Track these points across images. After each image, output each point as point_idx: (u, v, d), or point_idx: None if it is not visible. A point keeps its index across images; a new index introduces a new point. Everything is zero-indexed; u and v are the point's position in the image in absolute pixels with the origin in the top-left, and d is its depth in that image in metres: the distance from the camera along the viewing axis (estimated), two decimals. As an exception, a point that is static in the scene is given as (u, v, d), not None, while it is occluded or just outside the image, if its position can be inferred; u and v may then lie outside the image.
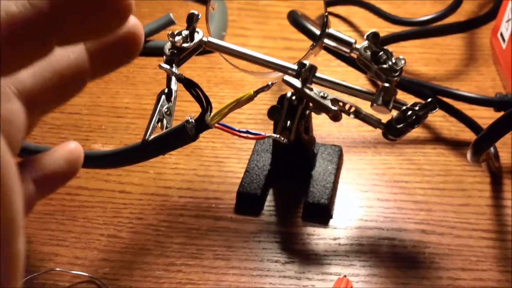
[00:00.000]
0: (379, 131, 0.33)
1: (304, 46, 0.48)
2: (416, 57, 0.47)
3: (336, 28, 0.35)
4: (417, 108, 0.32)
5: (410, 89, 0.40)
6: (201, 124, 0.29)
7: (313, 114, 0.36)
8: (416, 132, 0.41)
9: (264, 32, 0.52)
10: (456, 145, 0.40)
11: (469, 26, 0.47)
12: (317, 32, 0.39)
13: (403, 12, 0.52)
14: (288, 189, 0.38)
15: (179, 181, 0.39)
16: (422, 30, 0.47)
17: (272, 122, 0.35)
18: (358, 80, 0.45)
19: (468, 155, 0.30)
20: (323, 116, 0.33)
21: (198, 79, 0.48)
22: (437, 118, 0.41)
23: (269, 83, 0.30)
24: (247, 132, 0.30)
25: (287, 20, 0.51)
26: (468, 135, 0.40)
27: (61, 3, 0.15)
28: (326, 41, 0.35)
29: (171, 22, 0.49)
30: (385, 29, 0.49)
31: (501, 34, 0.44)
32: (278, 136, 0.31)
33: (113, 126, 0.43)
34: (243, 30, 0.51)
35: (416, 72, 0.46)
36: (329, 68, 0.46)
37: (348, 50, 0.34)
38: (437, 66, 0.47)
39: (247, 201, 0.37)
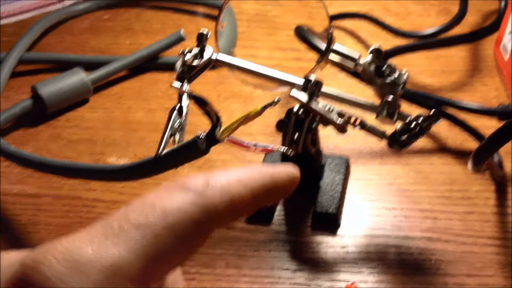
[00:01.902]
0: (385, 142, 0.34)
1: (313, 57, 0.49)
2: (421, 69, 0.48)
3: (342, 41, 0.36)
4: (420, 119, 0.33)
5: (415, 100, 0.41)
6: (212, 139, 0.30)
7: (320, 127, 0.37)
8: (422, 142, 0.42)
9: (273, 43, 0.53)
10: (461, 155, 0.41)
11: (472, 37, 0.48)
12: (323, 47, 0.40)
13: (408, 24, 0.53)
14: (297, 200, 0.39)
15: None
16: (427, 42, 0.48)
17: (279, 134, 0.36)
18: (365, 91, 0.45)
19: (469, 165, 0.31)
20: (330, 128, 0.35)
21: (208, 94, 0.50)
22: (442, 128, 0.42)
23: (276, 99, 0.31)
24: (255, 145, 0.31)
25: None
26: (473, 145, 0.41)
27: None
28: (332, 56, 0.36)
29: (181, 39, 0.51)
30: (390, 41, 0.50)
31: (504, 46, 0.45)
32: (284, 148, 0.32)
33: (127, 140, 0.45)
34: (252, 42, 0.52)
35: (422, 83, 0.47)
36: (336, 80, 0.47)
37: (353, 65, 0.36)
38: (442, 78, 0.48)
39: (258, 212, 0.38)
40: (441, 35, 0.48)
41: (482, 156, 0.30)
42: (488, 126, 0.41)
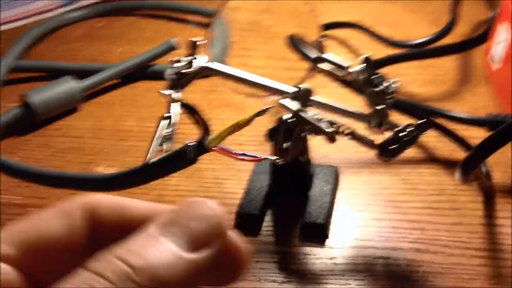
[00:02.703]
0: (374, 152, 0.34)
1: (305, 66, 0.49)
2: (412, 78, 0.49)
3: (334, 50, 0.36)
4: (409, 129, 0.33)
5: (404, 110, 0.41)
6: (201, 148, 0.30)
7: (309, 136, 0.37)
8: (411, 152, 0.42)
9: (266, 52, 0.53)
10: (449, 165, 0.41)
11: (462, 47, 0.48)
12: (314, 56, 0.40)
13: (399, 34, 0.53)
14: (285, 210, 0.39)
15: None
16: (418, 52, 0.48)
17: (269, 143, 0.36)
18: (356, 100, 0.45)
19: (457, 175, 0.31)
20: (319, 138, 0.34)
21: (199, 102, 0.49)
22: (431, 138, 0.42)
23: (265, 107, 0.31)
24: (244, 154, 0.31)
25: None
26: (461, 155, 0.41)
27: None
28: (322, 65, 0.36)
29: (173, 48, 0.51)
30: (382, 51, 0.50)
31: (493, 56, 0.45)
32: (274, 158, 0.32)
33: (116, 149, 0.45)
34: (245, 51, 0.52)
35: (411, 93, 0.47)
36: (327, 89, 0.47)
37: (343, 74, 0.36)
38: (432, 87, 0.48)
39: (246, 221, 0.38)
40: (432, 44, 0.48)
41: (470, 166, 0.30)
42: (477, 136, 0.41)
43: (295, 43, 0.45)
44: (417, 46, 0.48)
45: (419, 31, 0.53)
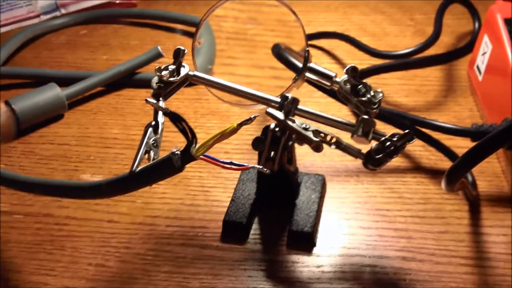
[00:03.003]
0: (360, 161, 0.34)
1: (291, 76, 0.49)
2: (396, 89, 0.49)
3: (319, 60, 0.36)
4: (395, 139, 0.33)
5: (390, 119, 0.41)
6: (187, 156, 0.30)
7: (296, 145, 0.37)
8: (397, 161, 0.42)
9: (252, 61, 0.52)
10: (435, 174, 0.41)
11: (447, 58, 0.49)
12: (300, 65, 0.40)
13: (384, 45, 0.53)
14: (272, 218, 0.39)
15: (166, 210, 0.40)
16: (402, 62, 0.49)
17: (256, 152, 0.36)
18: (341, 110, 0.46)
19: (443, 185, 0.32)
20: (306, 146, 0.35)
21: (185, 110, 0.50)
22: (417, 148, 0.43)
23: (252, 116, 0.31)
24: (231, 163, 0.31)
25: (273, 51, 0.52)
26: (447, 164, 0.41)
27: None
28: (308, 74, 0.36)
29: (159, 55, 0.51)
30: (367, 61, 0.50)
31: (477, 67, 0.46)
32: (260, 167, 0.32)
33: (101, 157, 0.44)
34: (231, 60, 0.52)
35: (397, 103, 0.48)
36: (312, 99, 0.47)
37: (329, 84, 0.36)
38: (417, 97, 0.48)
39: (233, 230, 0.38)
40: (416, 55, 0.49)
41: (455, 176, 0.30)
42: (462, 146, 0.41)
43: (280, 52, 0.45)
44: (401, 57, 0.49)
45: (403, 43, 0.54)
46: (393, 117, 0.41)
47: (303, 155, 0.42)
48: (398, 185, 0.41)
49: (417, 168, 0.42)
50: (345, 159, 0.42)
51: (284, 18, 0.58)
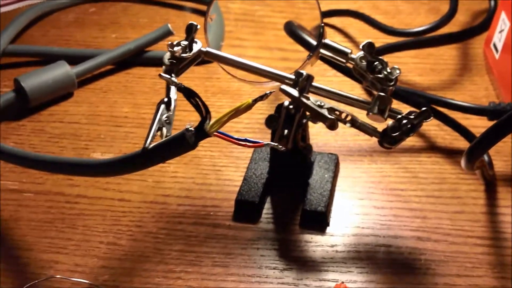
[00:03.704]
0: (375, 140, 0.33)
1: (300, 57, 0.49)
2: (410, 67, 0.48)
3: (332, 38, 0.36)
4: (412, 116, 0.33)
5: (405, 98, 0.41)
6: (201, 133, 0.30)
7: (309, 123, 0.36)
8: (412, 140, 0.41)
9: (260, 42, 0.52)
10: (450, 154, 0.40)
11: (462, 36, 0.48)
12: (314, 42, 0.40)
13: (397, 23, 0.52)
14: (285, 197, 0.38)
15: (177, 189, 0.39)
16: (417, 40, 0.48)
17: (269, 131, 0.36)
18: (354, 89, 0.45)
19: (462, 163, 0.31)
20: (320, 125, 0.34)
21: (195, 89, 0.49)
22: (432, 127, 0.42)
23: (267, 92, 0.31)
24: (246, 140, 0.31)
25: (283, 31, 0.52)
26: (462, 144, 0.41)
27: None
28: (323, 51, 0.36)
29: (169, 33, 0.50)
30: (380, 39, 0.49)
31: (494, 45, 0.45)
32: (276, 144, 0.31)
33: (112, 135, 0.44)
34: (239, 41, 0.52)
35: (411, 81, 0.47)
36: (325, 78, 0.46)
37: (344, 60, 0.35)
38: (431, 76, 0.47)
39: (245, 209, 0.38)
40: (431, 33, 0.48)
41: (476, 154, 0.30)
42: (478, 125, 0.41)
43: (293, 29, 0.44)
44: (416, 35, 0.48)
45: (416, 21, 0.53)
46: (408, 95, 0.41)
47: (316, 134, 0.42)
48: (413, 165, 0.40)
49: (432, 147, 0.41)
50: (358, 138, 0.42)
51: (292, -1, 0.57)
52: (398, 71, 0.33)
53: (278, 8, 0.56)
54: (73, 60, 0.48)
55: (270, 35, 0.52)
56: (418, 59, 0.49)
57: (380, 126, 0.33)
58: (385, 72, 0.33)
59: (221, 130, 0.30)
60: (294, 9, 0.55)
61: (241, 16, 0.54)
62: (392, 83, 0.33)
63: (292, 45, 0.49)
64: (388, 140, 0.33)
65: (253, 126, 0.44)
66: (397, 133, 0.33)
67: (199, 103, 0.29)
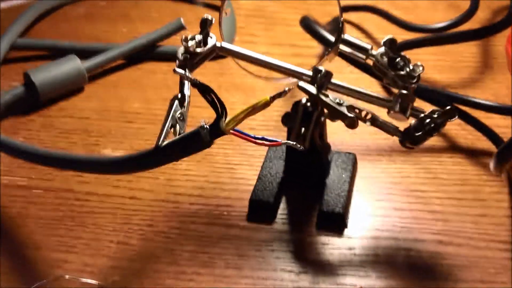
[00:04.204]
0: (394, 139, 0.32)
1: (313, 53, 0.48)
2: (429, 65, 0.47)
3: (348, 34, 0.34)
4: (435, 115, 0.31)
5: (425, 96, 0.39)
6: (216, 130, 0.29)
7: (327, 121, 0.35)
8: (432, 140, 0.39)
9: (272, 38, 0.51)
10: (473, 154, 0.39)
11: (484, 33, 0.46)
12: (332, 38, 0.39)
13: (415, 19, 0.51)
14: (301, 197, 0.37)
15: (190, 188, 0.38)
16: (436, 37, 0.46)
17: (284, 128, 0.34)
18: (372, 86, 0.44)
19: (491, 165, 0.30)
20: (337, 123, 0.33)
21: (208, 84, 0.48)
22: (453, 126, 0.41)
23: (286, 88, 0.29)
24: (263, 138, 0.29)
25: (294, 27, 0.51)
26: (485, 144, 0.39)
27: None
28: (342, 47, 0.34)
29: (181, 27, 0.49)
30: (398, 36, 0.47)
31: (518, 42, 0.44)
32: (294, 143, 0.30)
33: (123, 131, 0.43)
34: (251, 37, 0.51)
35: (430, 79, 0.46)
36: (342, 74, 0.45)
37: (364, 56, 0.34)
38: (451, 74, 0.46)
39: (260, 209, 0.36)
40: (451, 29, 0.46)
41: (507, 156, 0.29)
42: (501, 125, 0.39)
43: (310, 24, 0.43)
44: (437, 31, 0.46)
45: (435, 17, 0.51)
46: (429, 93, 0.39)
47: (333, 133, 0.40)
48: (433, 165, 0.39)
49: (453, 147, 0.40)
50: (377, 137, 0.41)
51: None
52: (421, 68, 0.32)
53: (289, 3, 0.55)
54: (84, 54, 0.47)
55: (281, 31, 0.52)
56: (437, 56, 0.47)
57: (401, 125, 0.32)
58: (408, 69, 0.32)
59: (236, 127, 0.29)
60: (305, 5, 0.54)
61: (252, 12, 0.54)
62: (414, 81, 0.32)
63: (304, 41, 0.48)
64: (410, 140, 0.32)
65: (268, 123, 0.42)
66: (420, 133, 0.31)
67: (215, 99, 0.28)
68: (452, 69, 0.46)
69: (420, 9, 0.53)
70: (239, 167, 0.40)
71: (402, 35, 0.48)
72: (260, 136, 0.29)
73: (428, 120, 0.31)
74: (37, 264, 0.34)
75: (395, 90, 0.32)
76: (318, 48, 0.48)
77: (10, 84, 0.46)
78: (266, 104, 0.29)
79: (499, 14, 0.51)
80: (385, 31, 0.50)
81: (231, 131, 0.29)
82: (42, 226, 0.36)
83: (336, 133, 0.41)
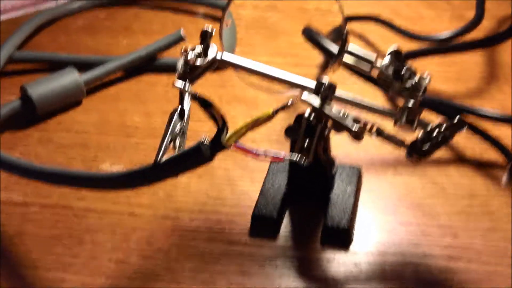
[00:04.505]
0: (399, 151, 0.31)
1: (314, 63, 0.47)
2: (434, 75, 0.45)
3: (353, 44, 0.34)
4: (443, 127, 0.31)
5: (431, 107, 0.38)
6: (217, 145, 0.28)
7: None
8: (438, 152, 0.39)
9: (272, 49, 0.51)
10: (480, 166, 0.38)
11: (489, 43, 0.46)
12: (335, 49, 0.38)
13: (419, 29, 0.50)
14: (305, 212, 0.36)
15: (190, 203, 0.37)
16: (441, 47, 0.46)
17: (286, 141, 0.34)
18: (376, 98, 0.43)
19: (504, 178, 0.29)
20: (340, 136, 0.32)
21: (209, 97, 0.47)
22: (460, 138, 0.39)
23: (289, 102, 0.29)
24: (265, 153, 0.29)
25: (295, 37, 0.50)
26: (493, 155, 0.38)
27: None
28: (346, 57, 0.34)
29: (181, 39, 0.48)
30: (402, 46, 0.47)
31: (524, 51, 0.43)
32: (297, 157, 0.29)
33: (122, 145, 0.42)
34: (251, 47, 0.50)
35: (435, 90, 0.45)
36: (346, 85, 0.44)
37: (368, 68, 0.33)
38: (457, 84, 0.45)
39: (263, 224, 0.35)
40: (456, 39, 0.46)
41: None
42: (509, 135, 0.39)
43: (312, 35, 0.42)
44: (441, 41, 0.46)
45: (440, 27, 0.51)
46: (434, 104, 0.38)
47: (337, 145, 0.39)
48: (440, 178, 0.38)
49: (460, 159, 0.39)
50: (381, 150, 0.40)
51: (303, 6, 0.55)
52: (427, 80, 0.31)
53: (290, 14, 0.54)
54: (83, 67, 0.46)
55: (282, 41, 0.51)
56: (442, 67, 0.47)
57: (407, 138, 0.31)
58: (414, 81, 0.31)
59: (241, 140, 0.28)
60: (306, 15, 0.54)
61: (252, 23, 0.53)
62: (420, 93, 0.31)
63: (305, 51, 0.48)
64: (418, 153, 0.31)
65: (270, 136, 0.42)
66: (427, 145, 0.31)
67: (216, 113, 0.28)
68: (457, 79, 0.46)
69: (424, 19, 0.52)
70: (240, 181, 0.39)
71: (407, 45, 0.47)
72: (262, 151, 0.29)
73: (435, 132, 0.31)
74: (33, 284, 0.33)
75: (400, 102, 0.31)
76: (319, 58, 0.47)
77: (7, 98, 0.45)
78: (268, 118, 0.28)
79: (505, 23, 0.50)
80: (389, 41, 0.49)
81: (232, 146, 0.28)
82: (39, 244, 0.35)
83: (339, 146, 0.40)
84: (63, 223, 0.37)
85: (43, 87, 0.44)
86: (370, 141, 0.32)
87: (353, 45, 0.34)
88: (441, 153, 0.39)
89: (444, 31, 0.47)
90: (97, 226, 0.36)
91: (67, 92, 0.44)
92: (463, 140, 0.40)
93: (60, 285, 0.33)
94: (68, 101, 0.45)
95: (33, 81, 0.44)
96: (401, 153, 0.31)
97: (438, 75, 0.46)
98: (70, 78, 0.45)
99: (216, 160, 0.39)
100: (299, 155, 0.31)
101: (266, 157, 0.28)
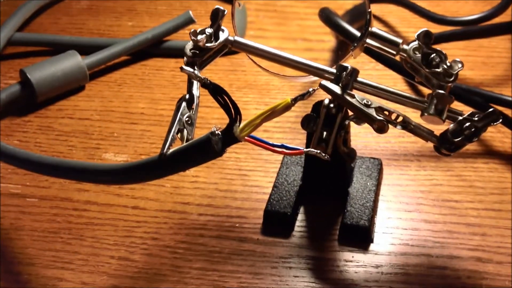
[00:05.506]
0: (421, 142, 0.29)
1: (326, 47, 0.45)
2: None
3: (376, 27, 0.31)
4: (476, 118, 0.28)
5: (458, 96, 0.36)
6: (229, 137, 0.25)
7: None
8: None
9: (283, 33, 0.49)
10: (511, 160, 0.36)
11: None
12: (356, 32, 0.35)
13: (442, 11, 0.48)
14: (321, 208, 0.34)
15: (198, 197, 0.35)
16: (467, 30, 0.43)
17: (302, 130, 0.31)
18: (396, 84, 0.41)
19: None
20: (359, 126, 0.30)
21: (219, 83, 0.44)
22: (488, 129, 0.37)
23: (310, 89, 0.26)
24: (282, 146, 0.26)
25: (306, 20, 0.48)
26: (525, 149, 0.36)
27: None
28: (369, 41, 0.31)
29: (190, 21, 0.46)
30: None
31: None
32: (318, 151, 0.27)
33: (126, 134, 0.40)
34: (262, 32, 0.49)
35: (461, 77, 0.42)
36: (364, 71, 0.41)
37: (394, 52, 0.30)
38: (484, 71, 0.43)
39: (276, 221, 0.33)
40: (483, 22, 0.43)
41: None
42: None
43: (331, 17, 0.40)
44: (466, 24, 0.43)
45: (464, 9, 0.48)
46: (462, 92, 0.36)
47: (355, 136, 0.37)
48: (467, 172, 0.35)
49: (489, 152, 0.37)
50: (403, 141, 0.37)
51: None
52: (460, 65, 0.29)
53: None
54: (85, 50, 0.45)
55: (293, 25, 0.50)
56: (467, 51, 0.44)
57: (436, 129, 0.29)
58: (444, 66, 0.29)
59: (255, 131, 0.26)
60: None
61: (263, 6, 0.51)
62: (451, 79, 0.29)
63: (317, 35, 0.46)
64: (448, 146, 0.28)
65: (284, 125, 0.39)
66: (458, 138, 0.28)
67: (228, 101, 0.25)
68: (484, 66, 0.43)
69: (447, 1, 0.50)
70: (252, 173, 0.36)
71: (430, 29, 0.44)
72: (279, 144, 0.26)
73: (467, 124, 0.28)
74: (30, 282, 0.31)
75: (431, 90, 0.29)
76: (331, 42, 0.45)
77: (6, 82, 0.44)
78: (287, 107, 0.26)
79: (534, 5, 0.47)
80: (409, 24, 0.47)
81: (246, 137, 0.26)
82: (37, 239, 0.33)
83: (358, 136, 0.38)
84: (62, 217, 0.35)
85: (44, 71, 0.42)
86: (391, 131, 0.30)
87: (377, 28, 0.31)
88: (467, 145, 0.37)
89: (467, 14, 0.44)
90: (98, 220, 0.34)
91: (68, 77, 0.42)
92: (491, 131, 0.37)
93: (58, 284, 0.31)
94: (70, 87, 0.43)
95: (33, 65, 0.42)
96: (424, 144, 0.29)
97: (463, 60, 0.41)
98: (72, 62, 0.43)
99: (227, 150, 0.37)
100: (315, 147, 0.28)
101: (283, 150, 0.26)
